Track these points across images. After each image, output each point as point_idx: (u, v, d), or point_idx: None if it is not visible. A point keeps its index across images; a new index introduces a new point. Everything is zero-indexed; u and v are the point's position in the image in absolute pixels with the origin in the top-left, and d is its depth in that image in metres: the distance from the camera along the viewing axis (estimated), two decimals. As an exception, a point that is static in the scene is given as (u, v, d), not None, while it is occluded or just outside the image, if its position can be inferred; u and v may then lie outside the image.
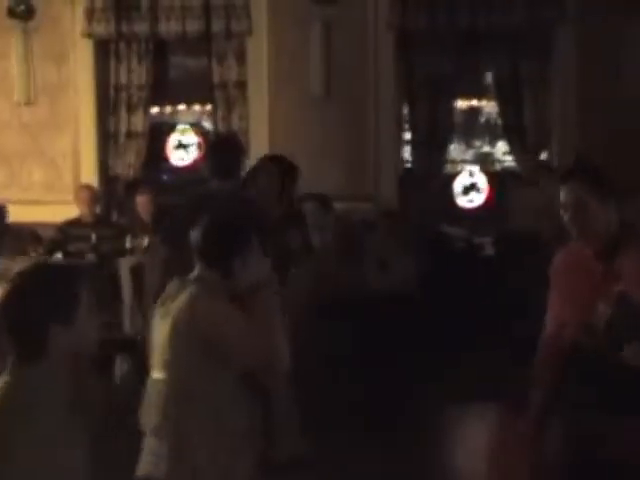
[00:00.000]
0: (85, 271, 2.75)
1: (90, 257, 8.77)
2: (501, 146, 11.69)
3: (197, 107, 11.44)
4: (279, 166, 6.67)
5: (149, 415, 3.62)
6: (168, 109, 11.32)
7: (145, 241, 8.93)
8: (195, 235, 3.62)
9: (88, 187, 9.52)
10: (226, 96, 10.08)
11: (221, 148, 6.57)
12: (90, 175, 10.07)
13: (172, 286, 3.64)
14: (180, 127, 10.70)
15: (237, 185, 6.19)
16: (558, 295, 3.97)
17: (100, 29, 9.90)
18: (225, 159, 6.22)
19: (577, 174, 3.89)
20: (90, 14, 9.86)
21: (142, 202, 9.39)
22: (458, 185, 10.52)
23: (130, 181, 10.28)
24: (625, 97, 9.41)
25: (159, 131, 11.08)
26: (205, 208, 4.10)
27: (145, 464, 3.59)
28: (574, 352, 3.79)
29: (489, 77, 10.50)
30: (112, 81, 10.16)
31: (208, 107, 10.80)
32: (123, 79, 10.11)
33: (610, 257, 3.75)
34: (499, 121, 10.69)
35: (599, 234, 3.78)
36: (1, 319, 2.56)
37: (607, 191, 3.82)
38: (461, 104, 10.95)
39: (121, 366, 8.62)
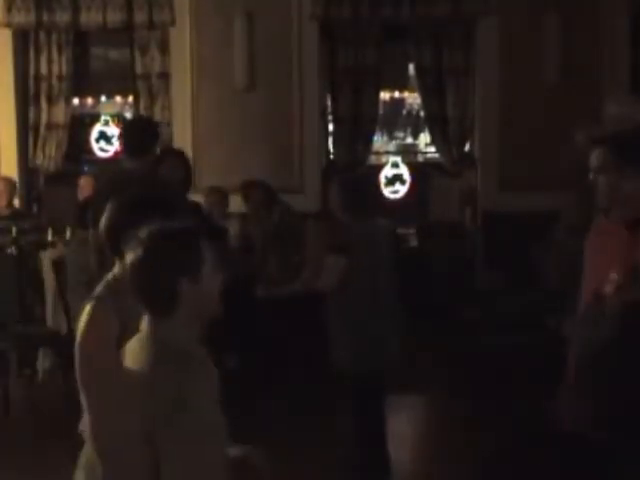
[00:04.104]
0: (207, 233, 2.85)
1: (11, 250, 8.62)
2: (424, 137, 11.77)
3: (119, 98, 11.31)
4: (183, 159, 6.69)
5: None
6: (90, 100, 11.18)
7: (67, 233, 8.82)
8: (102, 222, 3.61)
9: (5, 179, 9.35)
10: (149, 87, 10.02)
11: (134, 127, 6.53)
12: (10, 167, 9.91)
13: None
14: (102, 118, 10.58)
15: (147, 166, 6.13)
16: (586, 264, 4.03)
17: (20, 18, 9.76)
18: (137, 138, 6.17)
19: (609, 139, 3.91)
20: (10, 3, 9.71)
21: (84, 184, 9.33)
22: (382, 177, 10.59)
23: (51, 173, 10.17)
24: (547, 88, 9.58)
25: (81, 122, 10.97)
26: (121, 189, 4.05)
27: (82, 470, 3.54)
28: (585, 315, 3.86)
29: (412, 68, 10.55)
30: (32, 71, 10.02)
31: (130, 98, 10.69)
32: (43, 70, 9.98)
33: (638, 226, 3.78)
34: (422, 112, 10.75)
35: (628, 201, 3.82)
36: (135, 277, 2.77)
37: (628, 161, 3.83)
38: (384, 95, 10.98)
39: (43, 362, 8.51)
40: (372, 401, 6.23)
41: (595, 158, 3.87)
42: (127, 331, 3.37)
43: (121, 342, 3.25)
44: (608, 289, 3.72)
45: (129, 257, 2.80)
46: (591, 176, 3.88)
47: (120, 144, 6.53)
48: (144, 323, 2.83)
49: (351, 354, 6.01)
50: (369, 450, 6.19)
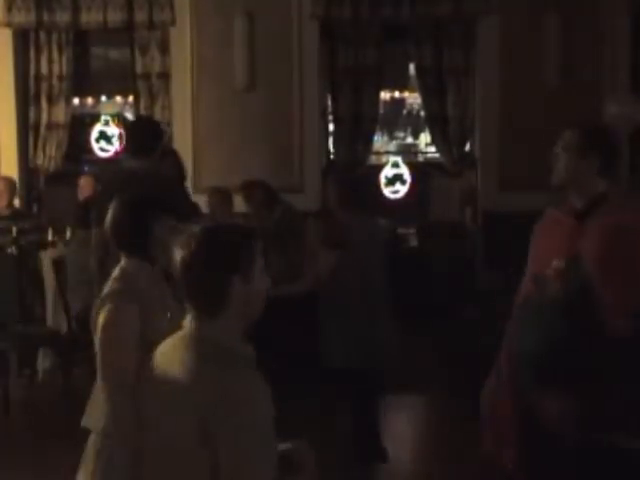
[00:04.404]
0: (259, 233, 2.81)
1: (11, 250, 8.61)
2: (424, 137, 11.79)
3: (119, 98, 11.33)
4: (178, 159, 6.75)
5: (96, 415, 3.57)
6: (90, 100, 11.20)
7: (67, 233, 8.82)
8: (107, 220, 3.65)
9: (5, 179, 9.34)
10: (149, 87, 10.02)
11: (138, 127, 6.55)
12: (10, 167, 9.91)
13: None
14: (102, 118, 10.58)
15: (151, 165, 6.16)
16: (530, 254, 4.04)
17: (20, 18, 9.77)
18: (141, 137, 6.19)
19: (575, 126, 3.92)
20: (10, 3, 9.72)
21: (84, 184, 9.34)
22: (382, 177, 10.60)
23: (51, 173, 10.17)
24: (547, 89, 9.59)
25: (81, 122, 10.97)
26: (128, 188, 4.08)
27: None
28: (524, 302, 3.87)
29: (412, 68, 10.56)
30: (32, 71, 10.02)
31: (130, 98, 10.70)
32: (44, 69, 9.98)
33: (586, 215, 3.79)
34: (422, 112, 10.75)
35: (581, 187, 3.83)
36: (186, 273, 2.70)
37: (592, 148, 3.83)
38: (384, 95, 10.99)
39: (43, 362, 8.51)
40: (369, 399, 6.24)
41: (565, 135, 3.90)
42: (149, 329, 3.39)
43: (145, 340, 3.27)
44: (549, 274, 3.73)
45: (178, 252, 2.73)
46: (555, 150, 3.91)
47: (123, 143, 6.55)
48: (187, 321, 2.76)
49: (349, 353, 6.02)
50: (366, 446, 6.22)
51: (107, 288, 3.66)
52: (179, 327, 2.81)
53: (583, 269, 3.66)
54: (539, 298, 3.77)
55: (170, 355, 2.77)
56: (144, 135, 6.24)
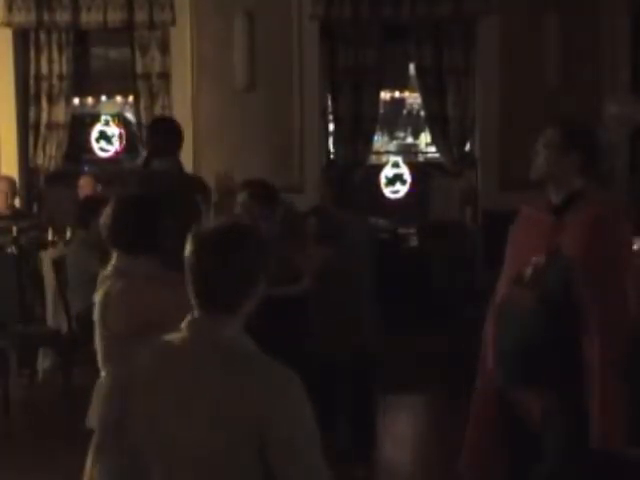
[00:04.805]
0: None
1: (11, 250, 8.61)
2: (424, 137, 11.79)
3: (119, 98, 11.33)
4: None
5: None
6: (90, 100, 11.20)
7: (68, 233, 8.82)
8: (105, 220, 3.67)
9: (6, 178, 9.34)
10: (149, 87, 10.01)
11: (162, 128, 6.56)
12: (10, 167, 9.91)
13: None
14: (102, 118, 10.58)
15: (175, 166, 6.19)
16: (508, 252, 4.04)
17: (20, 18, 9.75)
18: (163, 138, 6.21)
19: (557, 124, 3.93)
20: (10, 3, 9.70)
21: (83, 184, 9.34)
22: (383, 176, 10.60)
23: (51, 173, 10.17)
24: (547, 89, 9.59)
25: (81, 122, 10.98)
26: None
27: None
28: (502, 303, 3.88)
29: (412, 68, 10.56)
30: (32, 71, 10.01)
31: (130, 98, 10.70)
32: (44, 69, 9.97)
33: (564, 210, 3.80)
34: (422, 112, 10.75)
35: (560, 183, 3.84)
36: (211, 269, 2.56)
37: (575, 147, 3.86)
38: (384, 95, 10.99)
39: (43, 362, 8.50)
40: (368, 399, 6.26)
41: (547, 133, 3.91)
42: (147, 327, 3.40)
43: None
44: (528, 272, 3.74)
45: (198, 249, 2.57)
46: (536, 147, 3.93)
47: (147, 144, 6.58)
48: (199, 320, 2.61)
49: (343, 352, 6.03)
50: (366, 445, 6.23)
51: (103, 287, 3.67)
52: (177, 327, 2.68)
53: (563, 265, 3.66)
54: (517, 300, 3.78)
55: (181, 356, 2.62)
56: (168, 136, 6.26)
